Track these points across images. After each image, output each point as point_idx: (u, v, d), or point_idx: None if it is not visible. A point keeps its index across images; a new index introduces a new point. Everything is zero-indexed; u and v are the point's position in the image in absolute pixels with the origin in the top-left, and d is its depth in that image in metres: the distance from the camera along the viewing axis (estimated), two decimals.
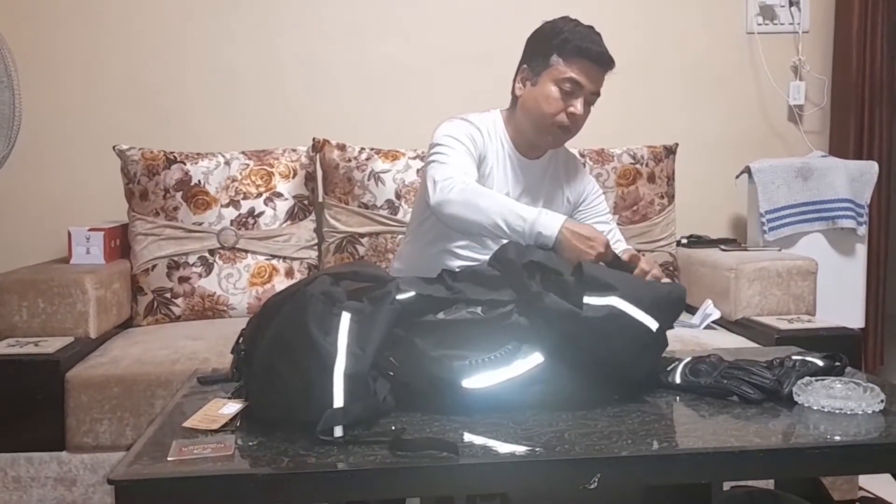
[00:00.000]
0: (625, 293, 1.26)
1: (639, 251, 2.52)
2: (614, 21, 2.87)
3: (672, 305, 1.35)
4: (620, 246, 2.03)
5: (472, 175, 1.76)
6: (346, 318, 1.19)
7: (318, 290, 1.22)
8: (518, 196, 1.88)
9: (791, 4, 2.93)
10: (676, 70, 2.93)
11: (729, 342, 2.10)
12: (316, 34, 2.77)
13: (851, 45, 2.87)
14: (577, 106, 1.79)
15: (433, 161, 1.78)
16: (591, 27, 1.84)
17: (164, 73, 2.72)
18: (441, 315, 1.29)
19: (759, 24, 2.94)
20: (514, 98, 1.88)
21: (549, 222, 1.57)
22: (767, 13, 2.94)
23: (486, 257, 1.77)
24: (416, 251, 1.96)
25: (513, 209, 1.62)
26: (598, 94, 1.83)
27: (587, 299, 1.26)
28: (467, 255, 1.88)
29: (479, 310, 1.29)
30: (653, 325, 1.25)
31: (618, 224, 2.52)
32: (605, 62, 1.80)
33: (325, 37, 2.77)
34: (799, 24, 2.95)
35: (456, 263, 1.85)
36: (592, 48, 1.78)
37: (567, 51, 1.78)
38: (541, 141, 1.88)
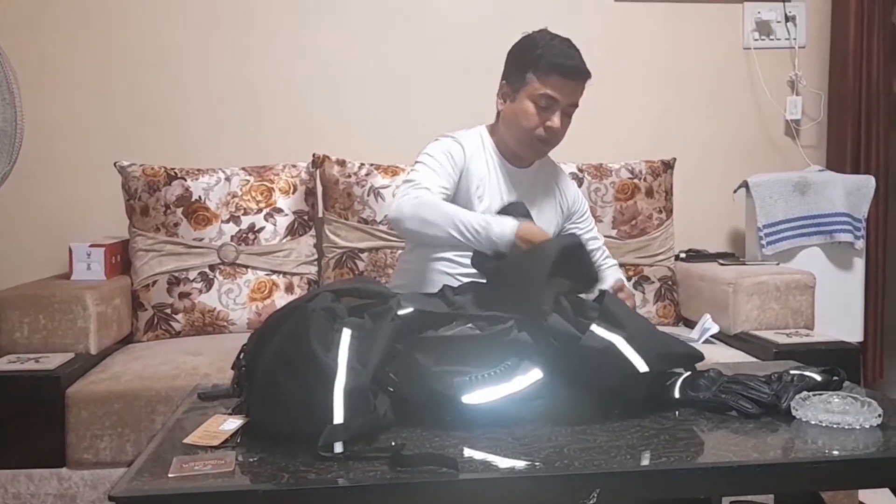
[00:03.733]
0: (632, 337, 1.27)
1: (636, 266, 2.55)
2: (612, 36, 2.91)
3: (680, 362, 1.37)
4: (609, 262, 2.05)
5: (436, 188, 1.80)
6: (346, 334, 1.20)
7: (319, 306, 1.23)
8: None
9: (787, 20, 2.95)
10: (674, 85, 2.95)
11: (727, 356, 2.10)
12: (317, 50, 2.79)
13: (848, 60, 2.89)
14: (555, 120, 1.84)
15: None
16: (567, 40, 1.88)
17: (165, 90, 2.74)
18: (441, 331, 1.30)
19: (756, 40, 2.97)
20: (498, 112, 1.95)
21: (502, 231, 1.62)
22: (764, 29, 2.96)
23: None
24: (416, 263, 1.97)
25: (463, 219, 1.68)
26: (575, 106, 1.88)
27: (594, 327, 1.28)
28: (467, 262, 1.90)
29: (476, 326, 1.30)
30: (641, 367, 1.26)
31: (616, 238, 2.54)
32: (579, 75, 1.85)
33: (326, 53, 2.79)
34: (795, 39, 2.97)
35: (457, 271, 1.88)
36: (566, 63, 1.83)
37: (541, 68, 1.83)
38: (523, 152, 1.95)
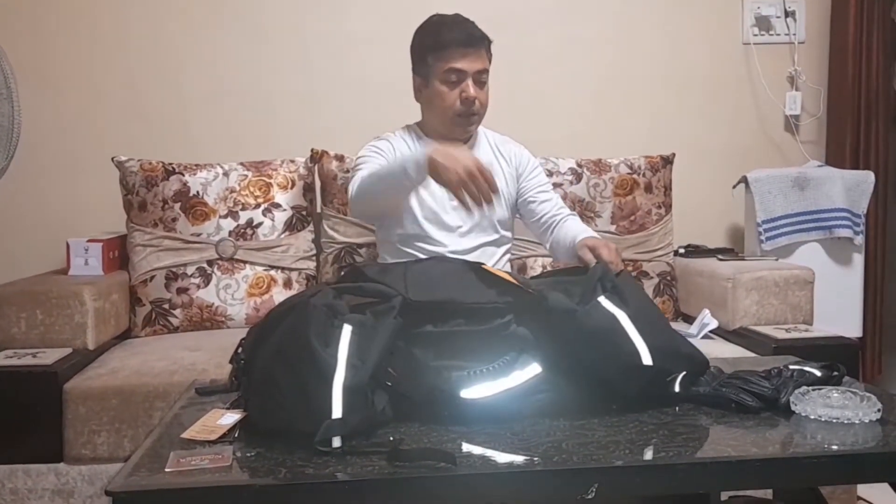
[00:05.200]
0: (636, 317, 1.27)
1: (635, 261, 2.54)
2: (612, 32, 2.91)
3: (684, 363, 1.34)
4: (564, 212, 2.05)
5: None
6: (347, 331, 1.20)
7: (320, 302, 1.23)
8: None
9: (787, 15, 2.95)
10: (673, 81, 2.94)
11: (726, 352, 2.10)
12: (315, 45, 2.78)
13: (847, 56, 2.88)
14: (468, 89, 1.90)
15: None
16: (456, 14, 1.96)
17: (163, 85, 2.73)
18: (440, 326, 1.29)
19: (756, 35, 2.96)
20: (421, 108, 2.03)
21: (416, 165, 1.64)
22: (763, 24, 2.96)
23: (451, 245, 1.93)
24: (391, 257, 2.01)
25: (386, 174, 1.74)
26: (485, 72, 1.94)
27: (601, 299, 1.29)
28: (433, 249, 1.96)
29: (475, 321, 1.29)
30: (646, 358, 1.25)
31: (615, 234, 2.54)
32: (474, 42, 1.91)
33: (324, 48, 2.79)
34: (794, 34, 2.96)
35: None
36: (458, 35, 1.90)
37: (437, 48, 1.91)
38: (453, 133, 1.99)
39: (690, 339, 2.20)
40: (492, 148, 2.08)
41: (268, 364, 1.22)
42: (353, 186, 1.88)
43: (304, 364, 1.16)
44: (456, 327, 1.29)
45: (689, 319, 2.46)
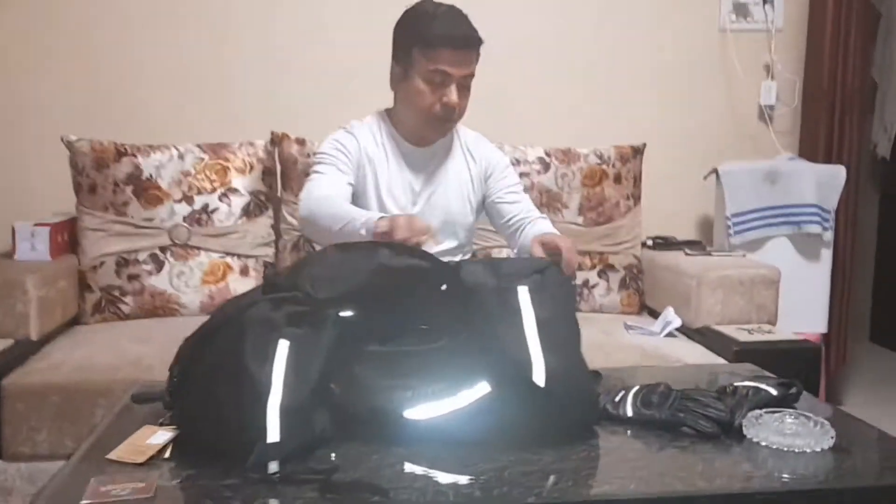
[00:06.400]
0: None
1: (602, 253, 2.50)
2: (586, 19, 2.83)
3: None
4: (535, 214, 1.93)
5: (337, 183, 1.75)
6: (283, 346, 1.14)
7: (257, 315, 1.17)
8: (422, 185, 1.87)
9: (765, 2, 2.89)
10: (647, 67, 2.88)
11: (688, 352, 2.08)
12: (275, 26, 2.69)
13: (824, 46, 2.84)
14: (451, 95, 1.75)
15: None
16: (451, 7, 1.77)
17: (115, 62, 2.62)
18: (388, 346, 1.24)
19: (733, 22, 2.90)
20: (394, 94, 1.86)
21: (368, 231, 1.53)
22: (741, 10, 2.90)
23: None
24: None
25: (339, 219, 1.60)
26: (471, 76, 1.78)
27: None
28: None
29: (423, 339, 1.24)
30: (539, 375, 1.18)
31: (582, 226, 2.49)
32: (468, 45, 1.74)
33: (285, 29, 2.69)
34: (772, 21, 2.91)
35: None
36: (452, 34, 1.72)
37: (427, 43, 1.73)
38: (425, 133, 1.85)
39: (653, 338, 2.19)
40: (462, 150, 1.94)
41: (203, 381, 1.16)
42: (305, 201, 1.70)
43: (238, 383, 1.10)
44: (403, 346, 1.24)
45: (654, 314, 2.43)
